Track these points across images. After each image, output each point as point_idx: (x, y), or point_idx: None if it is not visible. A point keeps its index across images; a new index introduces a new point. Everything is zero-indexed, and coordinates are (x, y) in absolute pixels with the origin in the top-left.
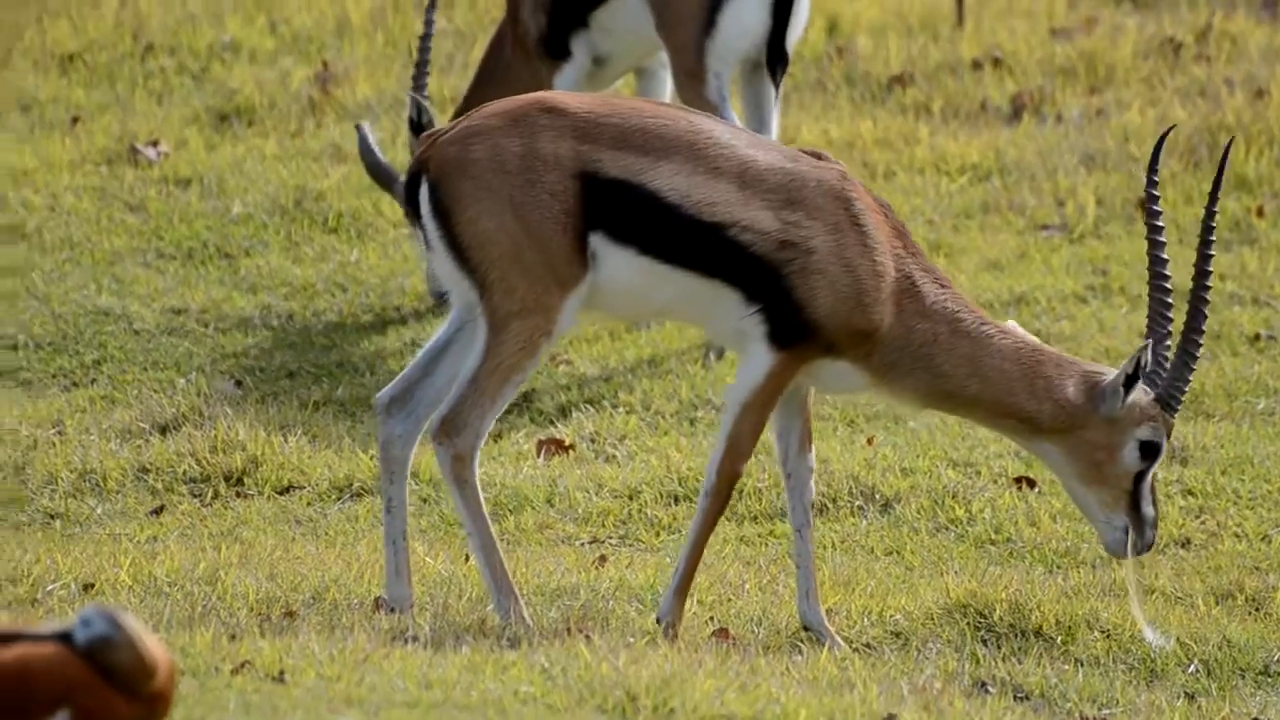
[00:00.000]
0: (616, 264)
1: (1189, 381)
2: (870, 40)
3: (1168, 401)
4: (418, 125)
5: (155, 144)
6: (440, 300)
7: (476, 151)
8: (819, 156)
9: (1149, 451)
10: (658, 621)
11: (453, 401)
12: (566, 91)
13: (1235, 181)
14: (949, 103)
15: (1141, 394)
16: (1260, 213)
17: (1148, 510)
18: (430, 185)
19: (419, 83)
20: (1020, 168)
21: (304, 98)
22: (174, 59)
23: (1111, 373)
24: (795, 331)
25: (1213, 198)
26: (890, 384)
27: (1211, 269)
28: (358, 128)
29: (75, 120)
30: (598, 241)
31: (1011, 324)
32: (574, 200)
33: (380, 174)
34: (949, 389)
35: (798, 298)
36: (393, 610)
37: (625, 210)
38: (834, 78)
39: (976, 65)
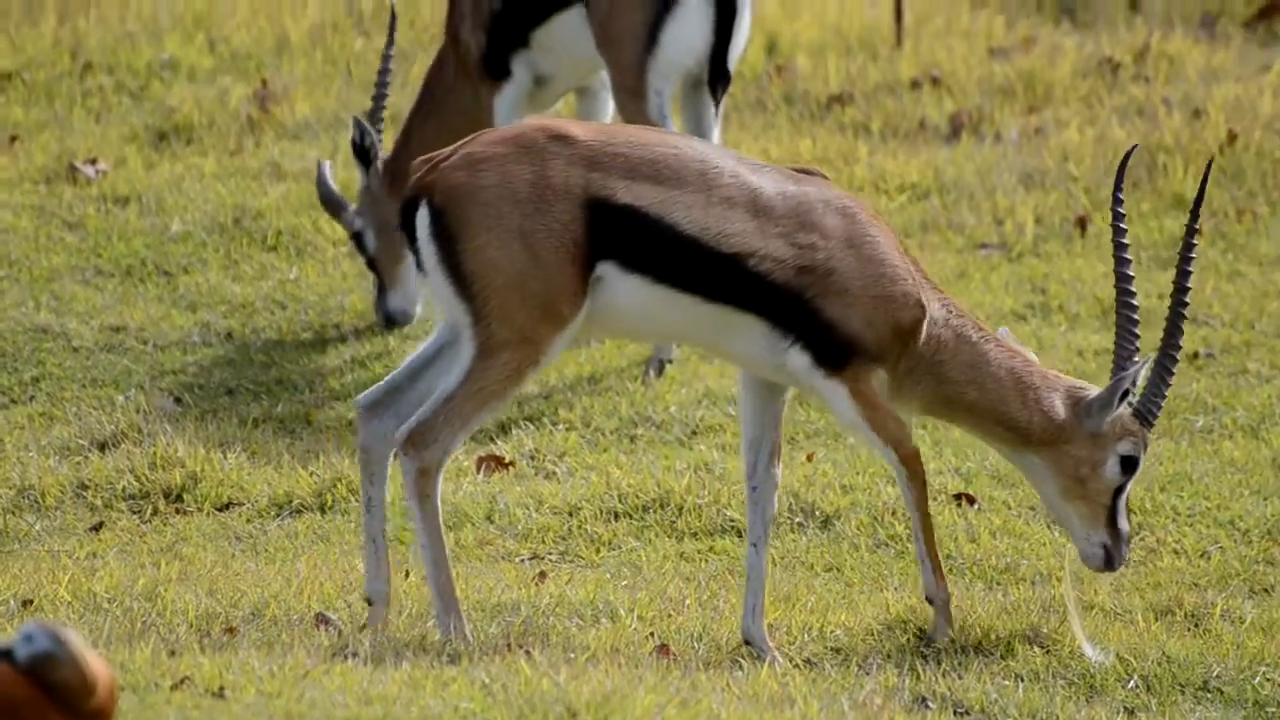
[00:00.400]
0: (627, 291)
1: (1165, 396)
2: (809, 59)
3: (1145, 416)
4: (360, 148)
5: (94, 162)
6: (388, 326)
7: (486, 178)
8: (809, 173)
9: (1128, 466)
10: (929, 601)
11: (425, 415)
12: (574, 120)
13: (1172, 200)
14: (888, 122)
15: (1122, 408)
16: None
17: (1123, 525)
18: (434, 210)
19: (376, 110)
20: (959, 186)
21: (243, 116)
22: (112, 77)
23: (1092, 390)
24: (838, 353)
25: (1194, 215)
26: (903, 391)
27: (1190, 285)
28: (319, 164)
29: (14, 139)
30: (606, 270)
31: (1004, 330)
32: (583, 230)
33: (332, 204)
34: (949, 395)
35: (827, 319)
36: (371, 603)
37: (640, 240)
38: (773, 96)
39: (915, 85)
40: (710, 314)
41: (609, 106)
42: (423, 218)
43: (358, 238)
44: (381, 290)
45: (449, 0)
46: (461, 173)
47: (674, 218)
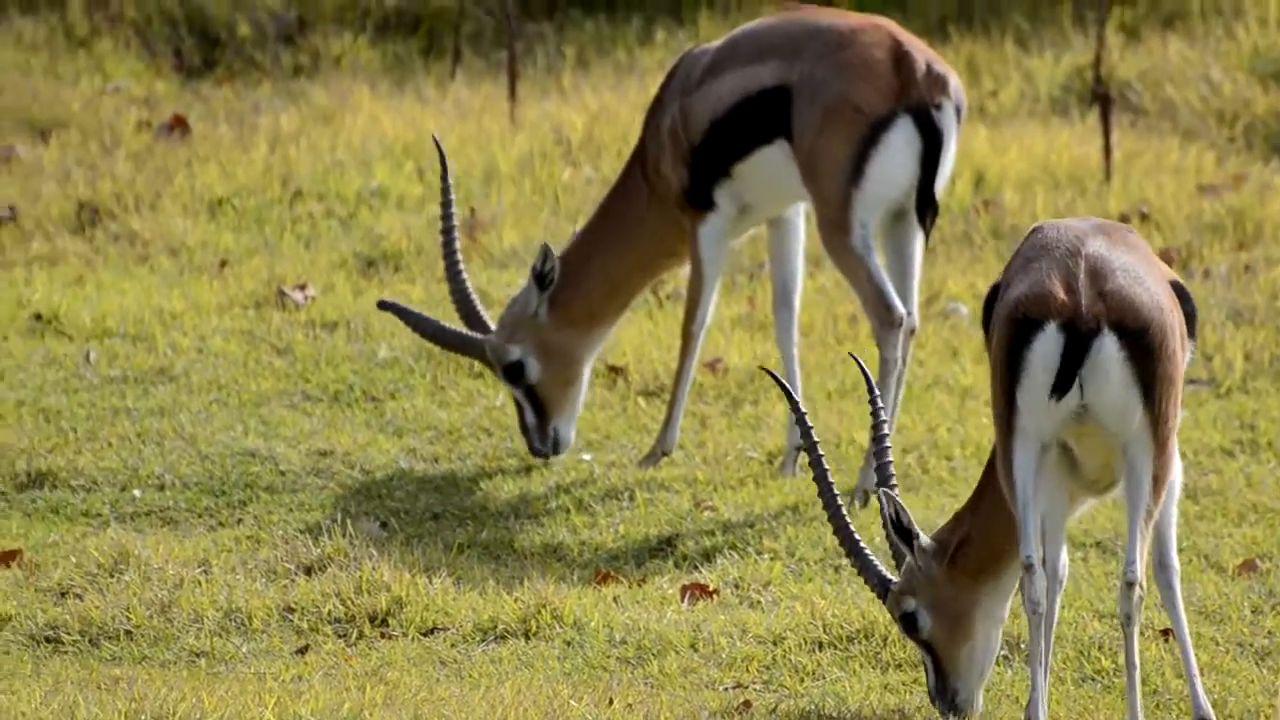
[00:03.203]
0: None
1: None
2: (1017, 194)
3: None
4: (541, 275)
5: (302, 288)
6: (552, 454)
7: (1156, 288)
8: None
9: None
10: None
11: (1165, 540)
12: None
13: None
14: None
15: None
16: None
17: None
18: (1132, 332)
19: (449, 242)
20: None
21: None
22: (322, 204)
23: None
24: None
25: None
26: None
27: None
28: (395, 308)
29: (223, 264)
30: None
31: None
32: None
33: (464, 344)
34: None
35: None
36: None
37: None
38: (981, 230)
39: (1124, 220)
40: None
41: (801, 235)
42: (1110, 343)
43: (515, 368)
44: (543, 418)
45: (642, 134)
46: (1140, 289)
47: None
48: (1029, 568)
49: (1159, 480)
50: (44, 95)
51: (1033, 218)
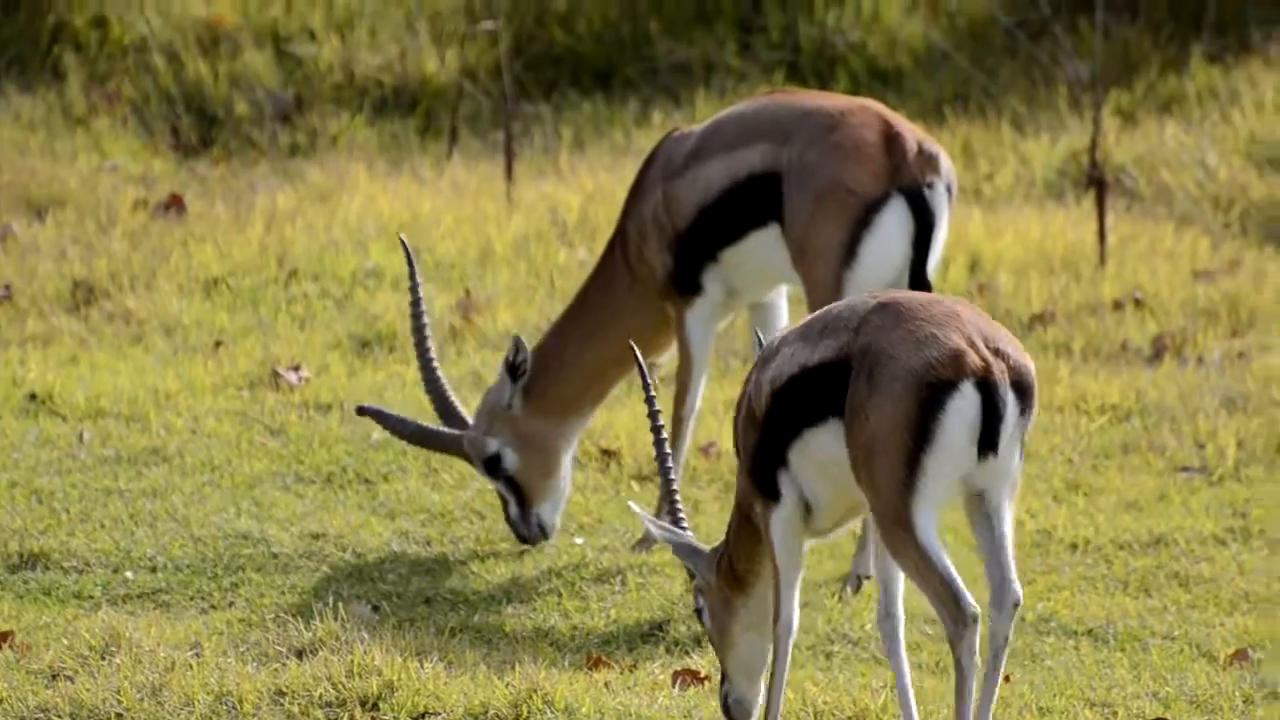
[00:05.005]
0: None
1: None
2: (1012, 278)
3: None
4: (513, 366)
5: (297, 368)
6: (537, 541)
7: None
8: None
9: None
10: None
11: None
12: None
13: None
14: (1090, 342)
15: None
16: None
17: None
18: (1024, 388)
19: (421, 340)
20: (1160, 409)
21: (445, 325)
22: (317, 284)
23: None
24: None
25: None
26: None
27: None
28: (360, 411)
29: (218, 344)
30: None
31: None
32: None
33: (440, 441)
34: None
35: None
36: None
37: None
38: None
39: (1118, 305)
40: None
41: (785, 316)
42: (1012, 399)
43: (493, 460)
44: (525, 507)
45: (621, 219)
46: (1019, 349)
47: None
48: (976, 620)
49: (1012, 524)
50: (41, 173)
51: (1027, 302)
